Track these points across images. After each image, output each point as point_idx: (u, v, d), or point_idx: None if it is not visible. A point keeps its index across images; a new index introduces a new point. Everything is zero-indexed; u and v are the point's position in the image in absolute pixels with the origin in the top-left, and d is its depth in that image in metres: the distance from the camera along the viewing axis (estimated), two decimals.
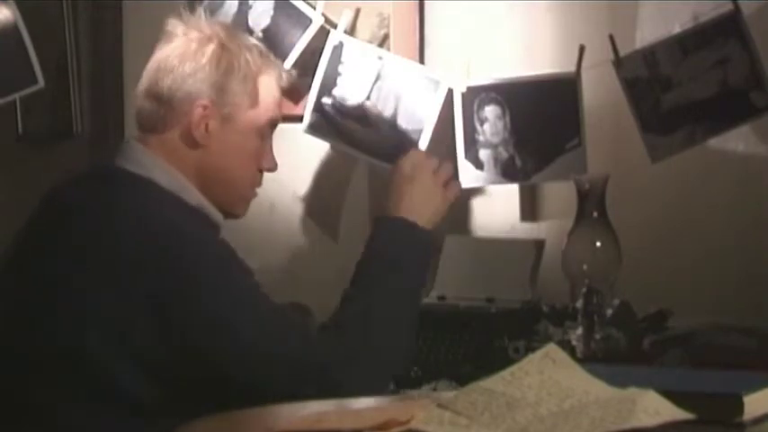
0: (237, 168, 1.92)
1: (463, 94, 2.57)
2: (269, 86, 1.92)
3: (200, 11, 1.95)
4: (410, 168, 1.95)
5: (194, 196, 1.86)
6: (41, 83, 2.70)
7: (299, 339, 1.75)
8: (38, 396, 1.73)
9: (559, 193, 2.52)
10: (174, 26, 1.90)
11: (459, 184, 2.06)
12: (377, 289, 1.82)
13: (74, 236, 1.77)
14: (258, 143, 1.93)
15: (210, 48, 1.87)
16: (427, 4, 2.67)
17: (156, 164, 1.85)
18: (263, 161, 1.96)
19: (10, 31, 2.68)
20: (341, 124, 2.64)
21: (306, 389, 1.65)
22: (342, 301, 1.85)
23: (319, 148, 2.71)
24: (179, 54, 1.87)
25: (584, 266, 2.06)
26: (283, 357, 1.72)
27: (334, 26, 2.64)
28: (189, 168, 1.87)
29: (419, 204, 1.92)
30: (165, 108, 1.86)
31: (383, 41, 2.68)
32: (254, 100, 1.90)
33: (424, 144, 2.56)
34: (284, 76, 1.96)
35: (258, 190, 2.03)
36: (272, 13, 2.67)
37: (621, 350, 1.99)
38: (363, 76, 2.62)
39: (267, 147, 1.96)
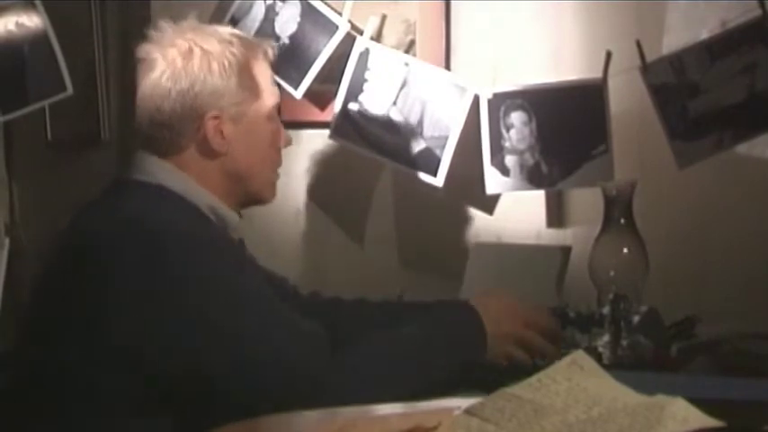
0: (260, 159, 1.93)
1: (489, 101, 2.57)
2: (262, 71, 1.92)
3: (163, 24, 1.91)
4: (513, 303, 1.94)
5: (205, 199, 1.86)
6: (70, 90, 2.72)
7: (298, 346, 1.72)
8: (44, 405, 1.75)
9: (586, 200, 2.51)
10: (148, 51, 1.88)
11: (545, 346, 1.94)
12: (410, 351, 1.80)
13: (77, 249, 1.78)
14: (271, 127, 1.94)
15: (196, 58, 1.86)
16: (453, 11, 2.67)
17: (165, 170, 1.85)
18: (279, 141, 1.97)
19: (40, 39, 2.70)
20: (367, 130, 2.64)
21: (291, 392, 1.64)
22: (373, 335, 1.82)
23: (345, 155, 2.71)
24: (169, 76, 1.85)
25: (611, 273, 2.05)
26: (274, 364, 1.68)
27: (361, 32, 2.65)
28: (214, 177, 1.87)
29: (498, 320, 1.89)
30: (175, 132, 1.86)
31: (409, 48, 2.68)
32: (255, 91, 1.90)
33: (449, 150, 2.56)
34: (269, 52, 1.96)
35: (284, 197, 2.04)
36: (298, 19, 2.68)
37: (649, 357, 1.98)
38: (389, 83, 2.62)
39: (278, 126, 1.97)
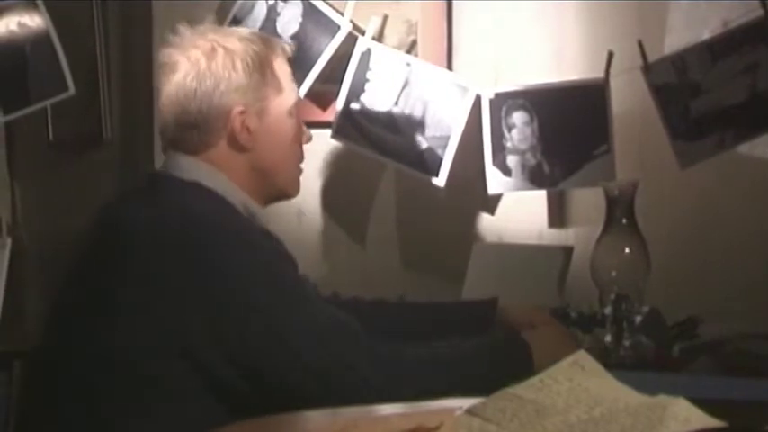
0: (284, 155, 1.96)
1: (491, 101, 2.57)
2: (282, 67, 1.95)
3: (181, 28, 1.93)
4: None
5: (239, 197, 1.88)
6: (72, 90, 2.72)
7: (343, 344, 1.74)
8: (90, 399, 1.75)
9: (588, 200, 2.51)
10: (170, 55, 1.90)
11: None
12: (458, 365, 1.80)
13: (126, 246, 1.78)
14: (294, 123, 1.96)
15: (219, 57, 1.88)
16: (455, 11, 2.67)
17: (200, 168, 1.87)
18: (301, 136, 2.00)
19: (41, 39, 2.70)
20: (369, 130, 2.64)
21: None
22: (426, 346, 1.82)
23: (347, 155, 2.71)
24: (193, 76, 1.87)
25: (613, 273, 2.05)
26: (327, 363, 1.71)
27: (363, 33, 2.65)
28: (242, 172, 1.90)
29: (550, 343, 1.88)
30: (202, 131, 1.88)
31: (411, 48, 2.68)
32: (277, 87, 1.93)
33: (451, 150, 2.56)
34: (288, 49, 1.98)
35: None
36: (300, 19, 2.68)
37: (650, 357, 1.98)
38: (391, 83, 2.62)
39: (299, 121, 1.99)
